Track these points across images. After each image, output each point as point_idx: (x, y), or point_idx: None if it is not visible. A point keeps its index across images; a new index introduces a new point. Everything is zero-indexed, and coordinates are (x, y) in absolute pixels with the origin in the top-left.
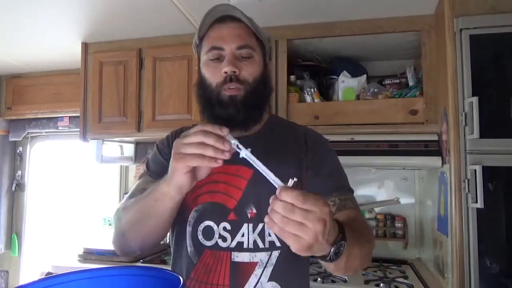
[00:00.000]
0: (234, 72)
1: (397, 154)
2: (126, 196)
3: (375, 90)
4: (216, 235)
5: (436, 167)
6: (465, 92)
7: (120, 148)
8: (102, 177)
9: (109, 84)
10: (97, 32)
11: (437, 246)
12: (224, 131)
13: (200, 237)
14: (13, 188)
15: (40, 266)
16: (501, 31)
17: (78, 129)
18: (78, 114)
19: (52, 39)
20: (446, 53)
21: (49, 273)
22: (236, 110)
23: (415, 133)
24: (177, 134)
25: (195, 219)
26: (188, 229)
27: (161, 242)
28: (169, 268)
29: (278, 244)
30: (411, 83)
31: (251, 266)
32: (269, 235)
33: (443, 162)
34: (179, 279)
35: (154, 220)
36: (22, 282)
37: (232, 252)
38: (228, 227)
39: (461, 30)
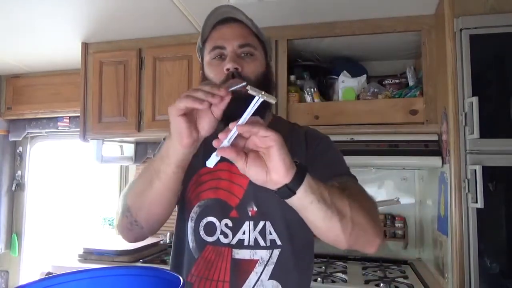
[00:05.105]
0: (236, 69)
1: (397, 154)
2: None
3: (375, 90)
4: (218, 231)
5: (436, 167)
6: (465, 92)
7: (120, 148)
8: (102, 177)
9: (109, 84)
10: (97, 32)
11: (437, 246)
12: (222, 92)
13: (202, 232)
14: (13, 188)
15: (40, 266)
16: (501, 31)
17: (78, 129)
18: (78, 114)
19: (52, 39)
20: (446, 53)
21: (49, 273)
22: (239, 107)
23: (415, 133)
24: None
25: (197, 214)
26: (190, 224)
27: (161, 242)
28: (169, 268)
29: (279, 242)
30: (411, 83)
31: (251, 263)
32: (270, 233)
33: (443, 162)
34: (179, 279)
35: (158, 183)
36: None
37: (233, 249)
38: (230, 224)
39: (461, 30)
